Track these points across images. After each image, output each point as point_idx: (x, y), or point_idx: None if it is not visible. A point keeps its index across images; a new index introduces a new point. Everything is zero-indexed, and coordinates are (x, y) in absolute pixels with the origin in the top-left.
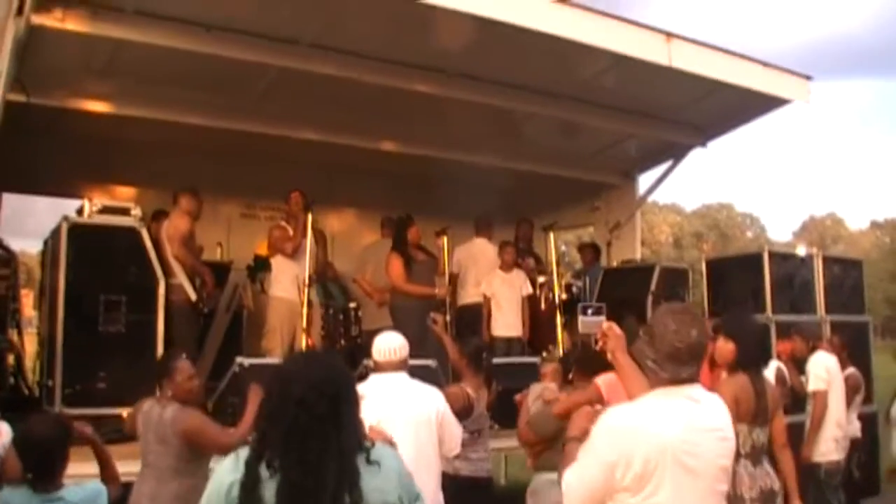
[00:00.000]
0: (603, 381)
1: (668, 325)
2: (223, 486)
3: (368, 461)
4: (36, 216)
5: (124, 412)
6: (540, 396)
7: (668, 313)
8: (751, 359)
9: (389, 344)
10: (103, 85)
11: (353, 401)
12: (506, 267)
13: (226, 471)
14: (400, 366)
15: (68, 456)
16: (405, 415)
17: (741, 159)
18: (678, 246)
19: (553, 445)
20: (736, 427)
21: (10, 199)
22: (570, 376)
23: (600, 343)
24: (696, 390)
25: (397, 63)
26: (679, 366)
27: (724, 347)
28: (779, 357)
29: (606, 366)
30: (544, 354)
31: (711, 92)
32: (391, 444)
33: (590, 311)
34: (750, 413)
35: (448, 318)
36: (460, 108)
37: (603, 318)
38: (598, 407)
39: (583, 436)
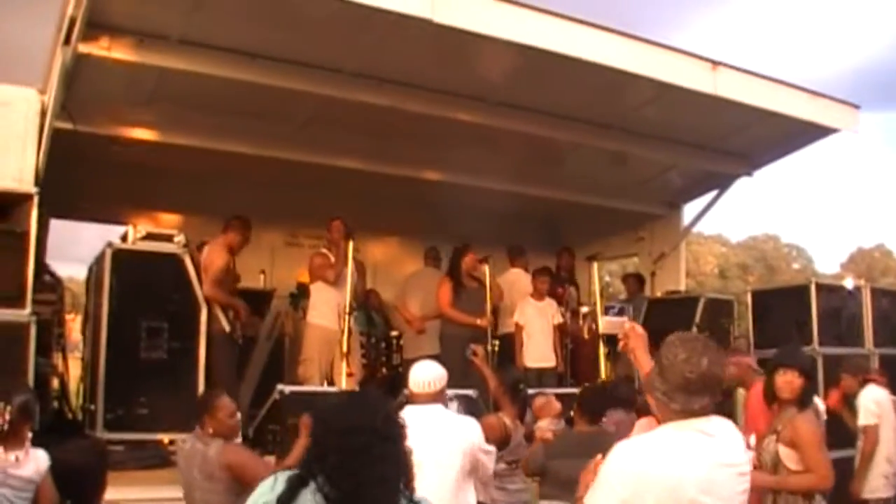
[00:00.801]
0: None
1: (678, 355)
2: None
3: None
4: (87, 242)
5: (165, 438)
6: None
7: (678, 342)
8: (812, 394)
9: (426, 376)
10: (148, 113)
11: (402, 444)
12: (538, 295)
13: (261, 492)
14: (435, 397)
15: (106, 482)
16: (437, 448)
17: (788, 190)
18: (723, 277)
19: (547, 480)
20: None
21: (60, 225)
22: (572, 413)
23: (622, 343)
24: (710, 423)
25: (440, 92)
26: (690, 396)
27: (795, 381)
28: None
29: (609, 405)
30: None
31: (757, 120)
32: None
33: (612, 312)
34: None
35: (490, 348)
36: (503, 137)
37: (625, 318)
38: (599, 457)
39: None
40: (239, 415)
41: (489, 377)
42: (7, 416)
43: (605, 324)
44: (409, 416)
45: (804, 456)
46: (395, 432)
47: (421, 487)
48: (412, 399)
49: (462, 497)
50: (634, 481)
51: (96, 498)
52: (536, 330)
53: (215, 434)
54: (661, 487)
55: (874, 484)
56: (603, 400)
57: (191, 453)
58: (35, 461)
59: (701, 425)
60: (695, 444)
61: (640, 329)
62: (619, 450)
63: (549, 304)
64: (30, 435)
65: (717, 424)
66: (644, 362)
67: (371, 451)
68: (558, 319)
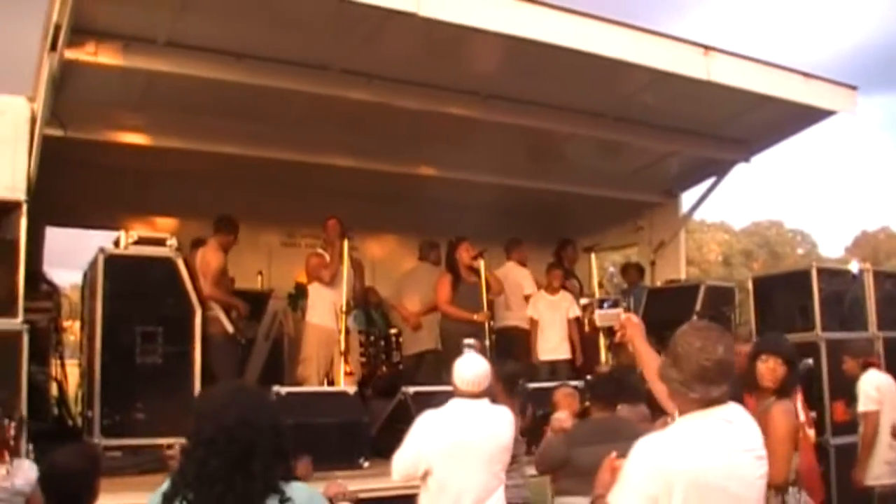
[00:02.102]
0: None
1: (693, 343)
2: None
3: (282, 501)
4: (91, 249)
5: (163, 442)
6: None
7: (691, 331)
8: (795, 382)
9: (472, 374)
10: (138, 117)
11: (271, 443)
12: (552, 290)
13: None
14: (482, 394)
15: (97, 487)
16: (485, 439)
17: (790, 175)
18: (727, 264)
19: (567, 472)
20: (791, 455)
21: (59, 232)
22: (587, 403)
23: (619, 333)
24: (729, 410)
25: (430, 86)
26: (708, 385)
27: (777, 370)
28: None
29: (623, 393)
30: (588, 378)
31: (753, 105)
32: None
33: (606, 305)
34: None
35: (488, 342)
36: (497, 130)
37: (620, 309)
38: (614, 454)
39: (608, 491)
40: None
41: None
42: (12, 432)
43: (599, 317)
44: (458, 408)
45: (769, 445)
46: (251, 432)
47: (469, 479)
48: (457, 393)
49: (501, 489)
50: (661, 477)
51: (87, 503)
52: (548, 324)
53: None
54: (688, 480)
55: (877, 471)
56: (614, 386)
57: None
58: (24, 472)
59: (721, 413)
60: (717, 433)
61: (635, 319)
62: (644, 446)
63: (564, 298)
64: (31, 448)
65: (735, 410)
66: (643, 351)
67: (221, 456)
68: (574, 312)
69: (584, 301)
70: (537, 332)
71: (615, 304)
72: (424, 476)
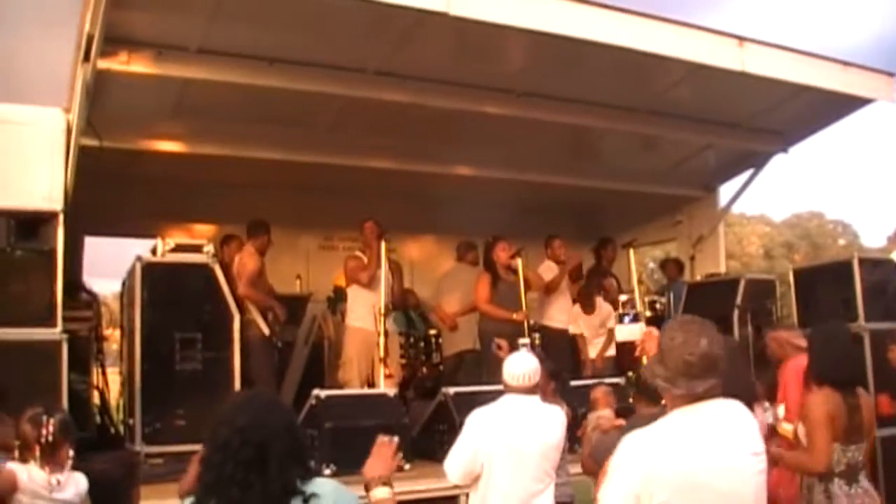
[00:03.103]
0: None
1: (675, 338)
2: None
3: (304, 500)
4: (126, 258)
5: None
6: (597, 426)
7: (675, 325)
8: (838, 373)
9: (521, 370)
10: (173, 125)
11: (286, 444)
12: (587, 309)
13: None
14: (532, 389)
15: (134, 497)
16: (537, 436)
17: (830, 166)
18: (769, 257)
19: None
20: (831, 446)
21: (99, 242)
22: (630, 399)
23: (639, 349)
24: (716, 406)
25: (464, 85)
26: (692, 380)
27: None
28: None
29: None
30: (629, 374)
31: (789, 95)
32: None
33: (626, 319)
34: (843, 430)
35: (529, 341)
36: (532, 127)
37: (641, 324)
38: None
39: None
40: None
41: None
42: (50, 429)
43: (619, 332)
44: (510, 405)
45: (808, 434)
46: (264, 433)
47: (521, 476)
48: (508, 390)
49: (551, 487)
50: (645, 474)
51: None
52: (590, 337)
53: None
54: (674, 477)
55: None
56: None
57: None
58: (76, 484)
59: (708, 408)
60: (704, 429)
61: (655, 332)
62: (628, 443)
63: (598, 314)
64: (71, 454)
65: (725, 406)
66: None
67: (235, 459)
68: (611, 324)
69: (623, 298)
70: (585, 343)
71: (636, 319)
72: (478, 474)
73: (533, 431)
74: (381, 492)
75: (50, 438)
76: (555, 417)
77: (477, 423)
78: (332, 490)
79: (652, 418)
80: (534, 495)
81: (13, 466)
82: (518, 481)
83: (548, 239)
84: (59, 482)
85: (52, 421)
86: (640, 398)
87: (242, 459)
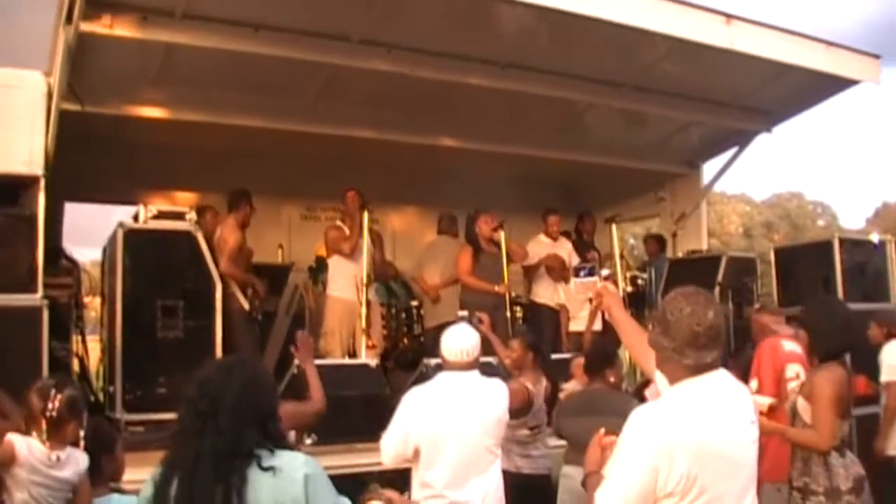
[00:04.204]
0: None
1: (683, 309)
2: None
3: (262, 467)
4: (107, 225)
5: None
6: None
7: (680, 297)
8: (835, 349)
9: (460, 345)
10: (157, 90)
11: (239, 399)
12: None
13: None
14: (471, 365)
15: (112, 461)
16: (476, 414)
17: (811, 147)
18: (748, 236)
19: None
20: (836, 424)
21: (79, 209)
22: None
23: (594, 303)
24: (721, 376)
25: (450, 56)
26: (700, 351)
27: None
28: None
29: (612, 361)
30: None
31: (775, 74)
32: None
33: (582, 273)
34: (846, 407)
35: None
36: (516, 100)
37: (596, 278)
38: (603, 431)
39: (599, 467)
40: None
41: (496, 344)
42: (56, 404)
43: (575, 285)
44: (446, 382)
45: (813, 411)
46: (220, 385)
47: (460, 454)
48: (446, 366)
49: (496, 463)
50: (662, 447)
51: (98, 478)
52: (574, 303)
53: None
54: (689, 448)
55: None
56: (602, 356)
57: None
58: (76, 462)
59: (715, 379)
60: (713, 399)
61: (612, 287)
62: (641, 416)
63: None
64: (81, 434)
65: (725, 376)
66: (621, 320)
67: (193, 412)
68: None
69: (605, 272)
70: (567, 315)
71: (591, 272)
72: (415, 455)
73: (471, 409)
74: None
75: (55, 414)
76: (495, 391)
77: (410, 403)
78: (300, 465)
79: (588, 394)
80: (477, 474)
81: (13, 437)
82: (458, 461)
83: (545, 213)
84: (59, 459)
85: (59, 396)
86: (586, 373)
87: (199, 410)
